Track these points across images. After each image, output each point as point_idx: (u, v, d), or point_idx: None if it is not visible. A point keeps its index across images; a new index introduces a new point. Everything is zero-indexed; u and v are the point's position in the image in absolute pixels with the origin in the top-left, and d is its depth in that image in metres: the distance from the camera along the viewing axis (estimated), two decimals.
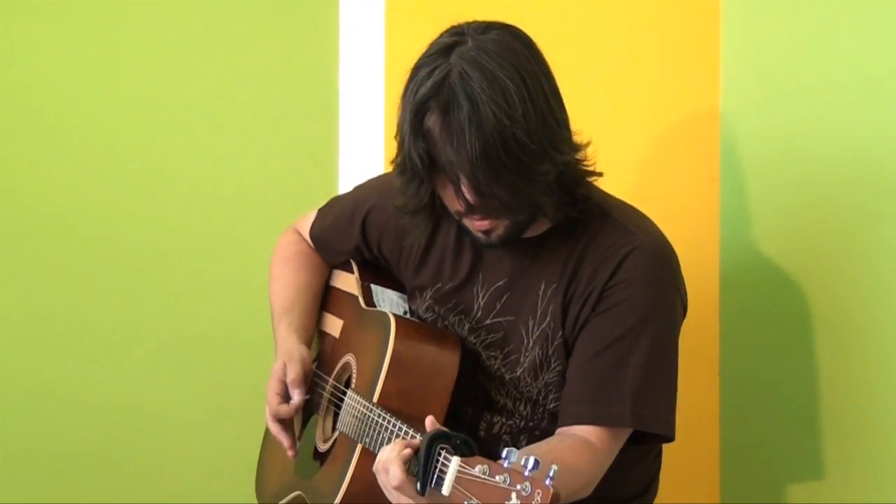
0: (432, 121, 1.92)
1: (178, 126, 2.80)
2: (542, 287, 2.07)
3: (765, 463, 2.60)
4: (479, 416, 2.11)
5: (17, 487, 2.73)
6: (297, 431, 2.23)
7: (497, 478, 1.69)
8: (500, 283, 2.10)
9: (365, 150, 2.85)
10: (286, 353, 2.20)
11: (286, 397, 2.18)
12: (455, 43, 1.94)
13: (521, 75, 1.93)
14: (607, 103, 2.72)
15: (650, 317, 2.02)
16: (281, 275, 2.35)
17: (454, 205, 1.99)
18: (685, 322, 2.47)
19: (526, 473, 1.67)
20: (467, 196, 1.94)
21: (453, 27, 1.98)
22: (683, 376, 2.65)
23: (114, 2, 2.74)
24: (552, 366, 2.06)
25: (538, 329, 2.06)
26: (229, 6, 2.80)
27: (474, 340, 2.11)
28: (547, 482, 1.65)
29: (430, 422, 1.83)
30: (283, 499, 2.22)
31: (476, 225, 2.01)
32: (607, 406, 1.99)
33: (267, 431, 2.37)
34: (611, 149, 2.73)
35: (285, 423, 2.18)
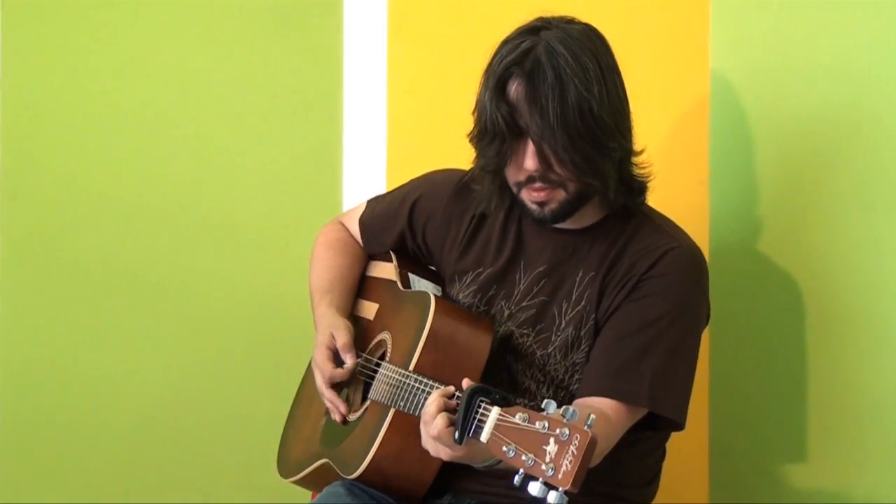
0: (516, 85, 2.08)
1: (184, 132, 2.90)
2: (580, 275, 2.20)
3: (754, 462, 2.63)
4: None
5: (36, 485, 2.82)
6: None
7: (536, 424, 1.78)
8: (541, 269, 2.23)
9: (368, 156, 2.95)
10: (331, 325, 2.32)
11: (338, 363, 2.28)
12: (542, 26, 2.12)
13: (600, 63, 2.11)
14: None
15: (679, 312, 2.15)
16: (323, 258, 2.47)
17: (518, 174, 2.13)
18: None
19: (565, 420, 1.76)
20: (542, 159, 2.08)
21: (540, 17, 2.15)
22: None
23: (122, 10, 2.85)
24: (582, 346, 2.18)
25: (573, 311, 2.19)
26: (235, 16, 2.92)
27: (510, 322, 2.23)
28: (585, 427, 1.74)
29: (466, 381, 1.93)
30: (307, 468, 2.30)
31: (534, 196, 2.15)
32: (627, 383, 2.11)
33: (293, 408, 2.47)
34: None
35: (337, 388, 2.28)
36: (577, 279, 2.20)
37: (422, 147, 2.89)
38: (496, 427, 1.83)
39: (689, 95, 2.71)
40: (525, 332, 2.22)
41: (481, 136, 2.14)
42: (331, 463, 2.23)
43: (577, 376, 2.18)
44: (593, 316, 2.17)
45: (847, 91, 2.46)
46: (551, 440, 1.76)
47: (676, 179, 2.73)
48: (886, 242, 2.41)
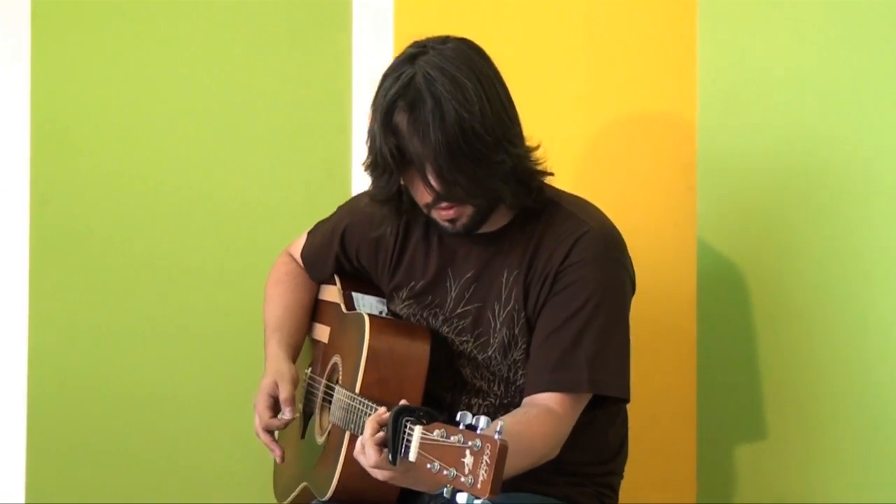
0: (401, 117, 2.16)
1: (194, 139, 2.98)
2: (505, 275, 2.29)
3: (742, 464, 2.68)
4: (457, 399, 2.33)
5: (64, 485, 2.91)
6: (301, 430, 2.47)
7: (452, 438, 1.88)
8: (469, 274, 2.33)
9: None
10: (277, 373, 2.42)
11: (276, 411, 2.40)
12: (418, 53, 2.20)
13: (478, 77, 2.18)
14: (585, 114, 2.84)
15: (602, 293, 2.23)
16: (273, 294, 2.59)
17: (423, 197, 2.22)
18: (662, 325, 2.57)
19: (478, 431, 1.86)
20: (433, 183, 2.17)
21: (416, 42, 2.24)
22: (661, 379, 2.70)
23: (142, 25, 2.95)
24: (519, 344, 2.28)
25: (504, 312, 2.28)
26: (247, 28, 3.00)
27: (448, 330, 2.33)
28: (496, 436, 1.84)
29: (403, 402, 2.03)
30: (293, 492, 2.45)
31: (443, 214, 2.24)
32: (567, 374, 2.20)
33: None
34: (589, 158, 2.82)
35: (273, 433, 2.41)
36: (504, 280, 2.29)
37: None
38: (421, 446, 1.93)
39: (677, 101, 2.75)
40: (465, 339, 2.32)
41: (373, 167, 2.23)
42: (309, 486, 2.38)
43: (520, 372, 2.28)
44: (523, 314, 2.27)
45: (834, 97, 2.48)
46: (467, 452, 1.86)
47: (665, 185, 2.81)
48: (875, 247, 2.42)
